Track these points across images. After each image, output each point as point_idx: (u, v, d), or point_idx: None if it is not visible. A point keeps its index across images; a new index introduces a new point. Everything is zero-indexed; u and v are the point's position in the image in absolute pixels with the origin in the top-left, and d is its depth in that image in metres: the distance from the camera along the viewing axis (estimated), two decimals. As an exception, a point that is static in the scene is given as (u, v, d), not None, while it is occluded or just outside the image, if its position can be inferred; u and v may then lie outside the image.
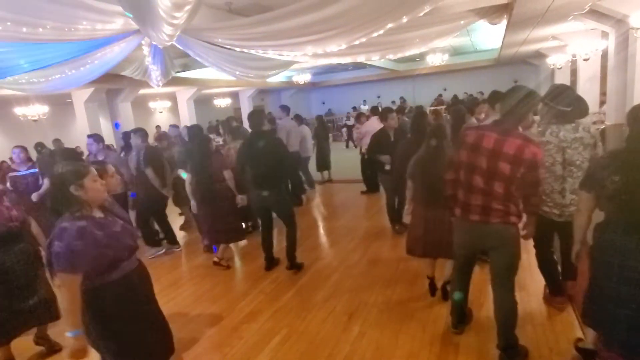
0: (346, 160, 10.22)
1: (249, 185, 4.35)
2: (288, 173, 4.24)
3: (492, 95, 4.07)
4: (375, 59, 6.67)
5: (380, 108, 7.74)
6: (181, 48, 5.11)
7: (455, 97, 16.50)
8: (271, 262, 4.50)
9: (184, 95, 13.24)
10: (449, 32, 5.94)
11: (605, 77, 8.01)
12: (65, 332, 1.95)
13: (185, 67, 9.52)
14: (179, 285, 4.33)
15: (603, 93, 8.81)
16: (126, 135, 6.34)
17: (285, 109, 7.20)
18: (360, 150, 7.39)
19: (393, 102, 18.32)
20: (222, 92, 15.84)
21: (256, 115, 4.50)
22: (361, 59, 6.04)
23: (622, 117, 6.28)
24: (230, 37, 4.54)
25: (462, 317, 2.98)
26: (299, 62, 6.37)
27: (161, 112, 13.98)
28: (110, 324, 2.06)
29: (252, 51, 4.79)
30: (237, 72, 6.33)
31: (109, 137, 9.97)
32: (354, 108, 18.43)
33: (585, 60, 8.56)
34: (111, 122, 10.96)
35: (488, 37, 11.89)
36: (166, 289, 4.25)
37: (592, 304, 2.25)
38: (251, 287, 4.08)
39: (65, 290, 1.91)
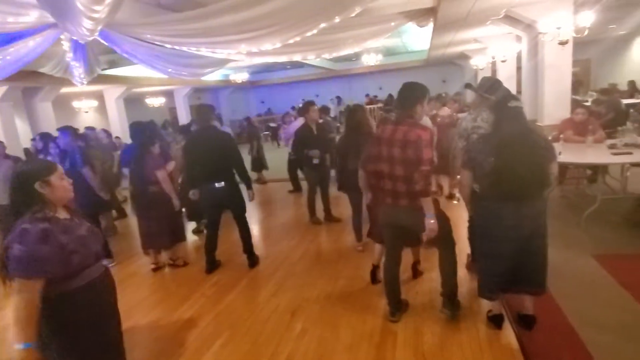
0: (279, 159, 10.12)
1: (200, 182, 4.18)
2: (238, 166, 4.21)
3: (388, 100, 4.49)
4: (311, 58, 6.76)
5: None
6: (106, 44, 4.80)
7: (390, 95, 17.18)
8: (213, 265, 4.39)
9: (113, 94, 12.44)
10: (381, 33, 6.17)
11: (521, 77, 8.76)
12: (14, 344, 1.71)
13: (113, 64, 8.97)
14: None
15: (519, 92, 9.65)
16: (45, 137, 5.83)
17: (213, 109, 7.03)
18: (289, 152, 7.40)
19: (331, 100, 18.61)
20: (155, 90, 15.09)
21: (204, 109, 4.32)
22: (297, 58, 6.08)
23: (534, 113, 6.93)
24: (160, 34, 4.35)
25: (398, 306, 3.13)
26: (234, 60, 6.26)
27: (87, 112, 12.99)
28: (71, 336, 1.88)
29: (184, 48, 4.63)
30: (169, 70, 6.08)
31: (26, 140, 9.09)
32: (293, 107, 18.45)
33: (503, 61, 9.32)
34: (29, 122, 10.00)
35: (418, 38, 12.47)
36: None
37: (485, 274, 2.77)
38: (192, 291, 3.95)
39: (21, 297, 1.71)
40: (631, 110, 8.84)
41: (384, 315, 3.17)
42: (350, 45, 5.97)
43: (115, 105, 12.56)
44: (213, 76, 13.69)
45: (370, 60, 13.14)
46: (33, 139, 7.82)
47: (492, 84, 3.24)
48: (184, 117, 15.78)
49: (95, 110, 13.85)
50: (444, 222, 2.85)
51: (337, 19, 3.86)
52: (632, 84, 11.56)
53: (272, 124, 16.40)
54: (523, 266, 2.65)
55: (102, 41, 4.57)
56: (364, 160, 3.09)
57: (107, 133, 8.42)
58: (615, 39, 13.10)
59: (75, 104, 12.39)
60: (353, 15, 3.87)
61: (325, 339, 2.97)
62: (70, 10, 3.00)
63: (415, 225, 2.75)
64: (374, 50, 12.66)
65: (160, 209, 4.29)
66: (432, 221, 2.68)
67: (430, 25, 6.89)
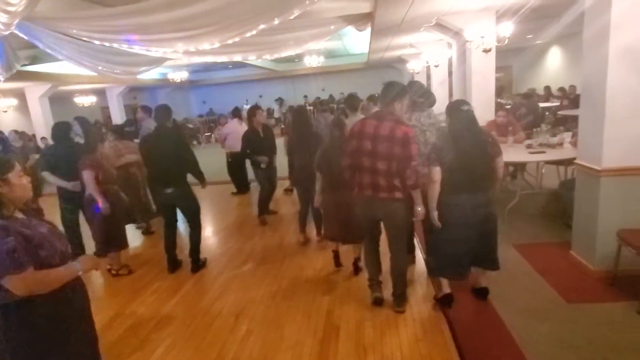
0: (213, 162, 9.83)
1: (154, 181, 4.16)
2: (191, 167, 4.18)
3: (348, 98, 4.79)
4: (252, 59, 6.72)
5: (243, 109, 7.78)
6: (26, 38, 4.43)
7: (330, 96, 17.56)
8: (175, 264, 4.30)
9: (35, 92, 11.43)
10: (321, 36, 6.28)
11: (452, 81, 9.33)
12: None
13: (35, 60, 8.27)
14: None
15: (451, 95, 10.27)
16: None
17: (147, 109, 6.75)
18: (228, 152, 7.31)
19: (276, 100, 18.59)
20: (85, 89, 14.10)
21: (163, 110, 4.20)
22: (238, 58, 6.02)
23: (465, 115, 7.41)
24: (88, 29, 4.10)
25: (376, 289, 3.31)
26: (171, 58, 6.05)
27: (5, 111, 11.82)
28: (37, 345, 1.74)
29: (115, 45, 4.40)
30: (100, 68, 5.73)
31: None
32: (237, 108, 18.14)
33: (436, 66, 9.88)
34: None
35: (358, 42, 12.83)
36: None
37: (439, 257, 3.12)
38: (130, 300, 3.78)
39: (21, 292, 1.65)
40: (546, 113, 9.77)
41: (327, 312, 3.26)
42: (291, 47, 6.02)
43: (39, 104, 11.56)
44: (150, 74, 13.05)
45: (312, 62, 13.30)
46: None
47: (425, 91, 3.58)
48: (117, 116, 14.92)
49: (16, 109, 12.65)
50: (409, 225, 3.21)
51: (276, 21, 3.88)
52: (547, 89, 12.78)
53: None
54: (480, 247, 3.00)
55: (21, 35, 4.21)
56: (325, 160, 3.45)
57: (21, 135, 7.68)
58: (533, 48, 14.41)
59: (-9, 102, 11.24)
60: (292, 17, 3.91)
61: (270, 339, 2.99)
62: (-17, 1, 2.75)
63: (389, 216, 3.02)
64: (316, 52, 12.82)
65: (92, 214, 4.04)
66: (419, 208, 2.96)
67: (369, 29, 7.13)
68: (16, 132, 7.49)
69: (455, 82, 8.01)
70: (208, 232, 5.62)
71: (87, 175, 3.92)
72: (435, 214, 2.92)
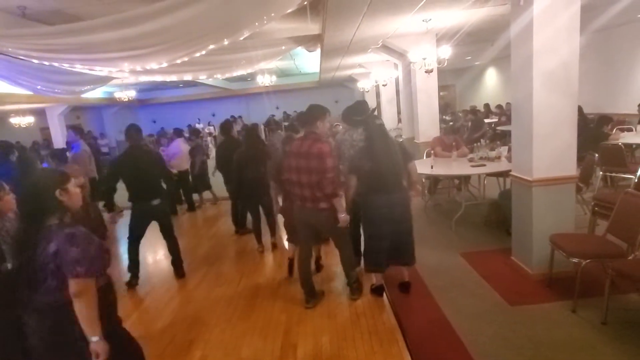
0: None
1: (135, 200, 4.24)
2: (168, 184, 4.55)
3: (299, 116, 5.17)
4: (202, 78, 6.67)
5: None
6: (-46, 56, 4.15)
7: (285, 113, 17.74)
8: (137, 279, 4.38)
9: (-37, 112, 10.60)
10: (272, 56, 6.39)
11: (400, 99, 9.77)
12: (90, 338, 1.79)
13: (-37, 79, 7.68)
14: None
15: (399, 112, 10.72)
16: None
17: (78, 131, 6.56)
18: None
19: (232, 117, 18.39)
20: (22, 108, 13.23)
21: (134, 129, 4.33)
22: (188, 77, 5.98)
23: (412, 132, 7.77)
24: (25, 47, 3.93)
25: (312, 294, 3.57)
26: (117, 77, 5.88)
27: None
28: (79, 345, 1.83)
29: (56, 64, 4.23)
30: (39, 87, 5.46)
31: None
32: (189, 126, 17.80)
33: (384, 85, 10.31)
34: None
35: (309, 62, 13.11)
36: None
37: (368, 253, 3.52)
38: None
39: (86, 298, 1.79)
40: (487, 128, 10.43)
41: (284, 330, 3.24)
42: (242, 67, 6.07)
43: (-32, 126, 10.71)
44: (94, 93, 12.54)
45: (265, 80, 13.36)
46: None
47: (360, 109, 3.72)
48: (59, 138, 14.08)
49: (-60, 131, 11.63)
50: (342, 228, 3.38)
51: (226, 42, 3.92)
52: (487, 106, 13.69)
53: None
54: (398, 244, 3.43)
55: (-51, 53, 3.95)
56: (277, 171, 3.70)
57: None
58: (473, 69, 15.46)
59: None
60: (242, 38, 3.97)
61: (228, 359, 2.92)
62: None
63: (319, 224, 3.37)
64: (268, 71, 12.92)
65: None
66: (342, 215, 3.24)
67: (319, 50, 7.35)
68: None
69: (402, 100, 8.41)
70: (158, 254, 5.42)
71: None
72: (345, 216, 3.27)
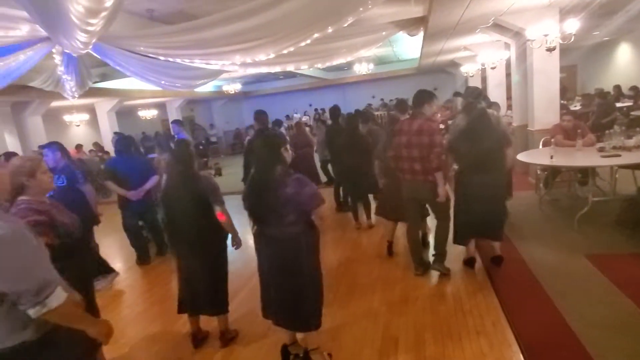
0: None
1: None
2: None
3: (398, 103, 5.12)
4: (304, 68, 6.81)
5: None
6: (99, 57, 4.81)
7: (382, 101, 17.51)
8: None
9: (104, 107, 12.40)
10: (373, 43, 6.25)
11: (510, 83, 8.91)
12: None
13: (105, 77, 8.97)
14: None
15: (509, 97, 9.79)
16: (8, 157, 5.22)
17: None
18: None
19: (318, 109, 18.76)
20: (148, 103, 15.07)
21: (264, 115, 5.19)
22: (290, 68, 6.14)
23: (525, 119, 7.03)
24: (153, 46, 4.37)
25: (421, 262, 3.89)
26: (227, 71, 6.30)
27: (78, 125, 12.90)
28: None
29: (178, 60, 4.65)
30: (163, 82, 6.09)
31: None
32: (287, 116, 18.60)
33: (493, 68, 9.46)
34: (19, 138, 9.90)
35: (409, 47, 12.65)
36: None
37: (457, 226, 3.79)
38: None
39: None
40: (618, 114, 9.02)
41: (385, 323, 3.18)
42: (342, 55, 6.04)
43: (107, 119, 12.52)
44: (206, 87, 13.71)
45: (362, 69, 13.27)
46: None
47: (479, 93, 4.24)
48: (177, 128, 15.71)
49: (87, 123, 13.78)
50: (447, 200, 3.67)
51: (330, 30, 3.91)
52: (617, 88, 11.80)
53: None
54: (487, 221, 3.67)
55: (95, 54, 4.58)
56: (383, 150, 4.10)
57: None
58: (599, 45, 13.40)
59: (67, 117, 12.30)
60: (346, 25, 3.93)
61: (328, 349, 2.95)
62: (65, 23, 3.01)
63: (427, 195, 3.62)
64: (366, 59, 12.79)
65: None
66: (441, 188, 3.50)
67: (421, 34, 7.01)
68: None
69: (514, 84, 7.63)
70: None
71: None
72: (446, 189, 3.58)
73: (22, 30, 3.47)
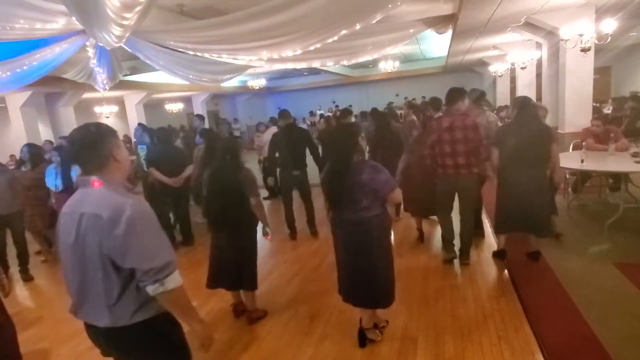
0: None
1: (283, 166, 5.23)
2: (314, 154, 5.40)
3: (432, 100, 5.29)
4: (329, 65, 6.80)
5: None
6: (130, 50, 4.92)
7: (405, 99, 17.32)
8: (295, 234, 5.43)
9: (133, 99, 12.71)
10: (400, 40, 6.18)
11: (540, 84, 8.66)
12: None
13: (134, 70, 9.16)
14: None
15: (539, 99, 9.52)
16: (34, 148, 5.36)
17: (201, 118, 7.20)
18: (260, 158, 8.02)
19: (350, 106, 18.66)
20: (174, 96, 15.36)
21: (287, 112, 5.41)
22: (316, 64, 6.12)
23: (555, 121, 6.83)
24: (183, 40, 4.44)
25: (451, 249, 4.06)
26: (253, 66, 6.35)
27: (107, 117, 13.27)
28: None
29: (206, 55, 4.71)
30: (190, 76, 6.19)
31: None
32: (311, 113, 18.64)
33: (523, 68, 9.22)
34: (51, 128, 10.27)
35: (436, 45, 12.46)
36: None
37: (499, 216, 3.89)
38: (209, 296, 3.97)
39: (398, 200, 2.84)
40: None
41: (404, 323, 3.15)
42: (369, 52, 6.00)
43: (136, 111, 12.83)
44: (231, 82, 13.86)
45: (388, 66, 13.13)
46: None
47: (478, 96, 4.59)
48: (198, 122, 15.95)
49: (116, 115, 14.16)
50: (480, 194, 4.09)
51: (357, 26, 3.89)
52: (655, 91, 11.29)
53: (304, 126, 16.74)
54: (528, 214, 3.67)
55: (126, 48, 4.69)
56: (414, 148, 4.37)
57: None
58: (634, 46, 12.85)
59: (97, 109, 12.67)
60: (374, 22, 3.90)
61: (345, 344, 2.96)
62: (101, 17, 3.09)
63: (468, 187, 3.83)
64: (392, 57, 12.65)
65: None
66: (491, 174, 3.86)
67: (449, 32, 6.88)
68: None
69: (544, 85, 7.42)
70: (283, 234, 5.73)
71: None
72: (493, 176, 3.91)
73: (59, 23, 3.58)
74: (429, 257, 4.30)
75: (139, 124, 6.42)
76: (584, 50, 5.29)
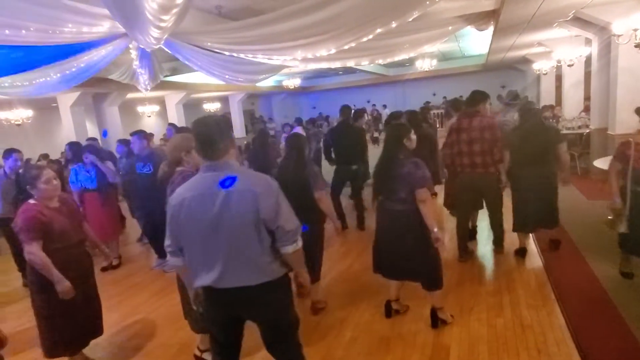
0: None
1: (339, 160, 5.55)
2: (363, 153, 5.75)
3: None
4: (364, 64, 6.72)
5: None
6: (170, 52, 5.07)
7: (444, 98, 16.87)
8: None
9: (173, 99, 13.14)
10: (438, 38, 6.01)
11: (588, 82, 8.17)
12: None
13: (174, 71, 9.46)
14: (166, 293, 4.24)
15: (586, 98, 8.99)
16: (74, 146, 5.51)
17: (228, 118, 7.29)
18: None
19: (384, 106, 18.43)
20: (212, 96, 15.75)
21: (347, 108, 5.70)
22: (351, 63, 6.07)
23: (605, 121, 6.41)
24: (219, 41, 4.52)
25: (466, 251, 4.21)
26: (288, 66, 6.38)
27: (149, 116, 13.85)
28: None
29: (242, 55, 4.78)
30: (227, 76, 6.31)
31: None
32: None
33: (570, 66, 8.71)
34: (98, 126, 10.80)
35: (476, 43, 12.04)
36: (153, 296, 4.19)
37: (517, 219, 4.08)
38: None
39: (429, 201, 2.81)
40: None
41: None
42: (405, 51, 5.87)
43: (175, 110, 13.25)
44: (267, 82, 14.04)
45: (425, 65, 12.81)
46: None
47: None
48: (237, 121, 16.29)
49: (157, 114, 14.70)
50: (500, 191, 4.06)
51: (393, 24, 3.81)
52: None
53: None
54: (542, 211, 3.91)
55: (166, 49, 4.84)
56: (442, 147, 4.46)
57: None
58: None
59: (140, 108, 13.22)
60: (410, 20, 3.80)
61: (375, 350, 2.90)
62: (140, 20, 3.20)
63: (486, 186, 3.99)
64: (429, 55, 12.34)
65: None
66: (504, 177, 3.97)
67: (491, 28, 6.62)
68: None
69: (594, 83, 6.99)
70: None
71: None
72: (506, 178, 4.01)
73: (104, 27, 3.73)
74: (464, 262, 4.15)
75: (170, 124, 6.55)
76: (638, 46, 4.93)
